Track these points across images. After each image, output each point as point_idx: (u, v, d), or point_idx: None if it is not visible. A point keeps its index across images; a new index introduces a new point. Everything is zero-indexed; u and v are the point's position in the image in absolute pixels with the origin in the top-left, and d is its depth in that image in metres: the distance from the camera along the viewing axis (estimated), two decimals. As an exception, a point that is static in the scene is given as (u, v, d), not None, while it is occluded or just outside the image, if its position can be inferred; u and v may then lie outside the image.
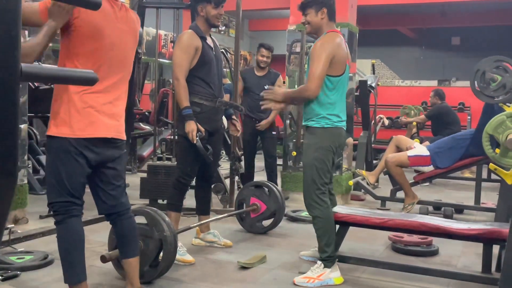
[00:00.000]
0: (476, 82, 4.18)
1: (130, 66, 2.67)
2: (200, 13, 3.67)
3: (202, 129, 3.58)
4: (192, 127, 3.50)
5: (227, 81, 8.90)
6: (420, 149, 5.46)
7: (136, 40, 2.70)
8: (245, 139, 5.79)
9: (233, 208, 4.69)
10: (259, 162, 9.68)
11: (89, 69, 2.33)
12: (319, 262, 3.28)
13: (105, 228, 3.18)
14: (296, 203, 5.60)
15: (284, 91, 3.43)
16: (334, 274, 3.25)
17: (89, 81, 1.01)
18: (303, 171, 3.36)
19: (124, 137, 2.63)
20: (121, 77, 2.58)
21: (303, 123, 3.39)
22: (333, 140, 3.27)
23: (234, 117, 4.08)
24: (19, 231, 3.89)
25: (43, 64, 5.03)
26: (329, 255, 3.24)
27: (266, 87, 5.27)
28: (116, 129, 2.55)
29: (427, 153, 5.36)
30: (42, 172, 6.09)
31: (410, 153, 5.39)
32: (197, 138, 3.52)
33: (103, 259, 2.84)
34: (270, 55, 5.72)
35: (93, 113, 2.44)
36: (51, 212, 2.54)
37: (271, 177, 5.62)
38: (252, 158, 5.80)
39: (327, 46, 3.19)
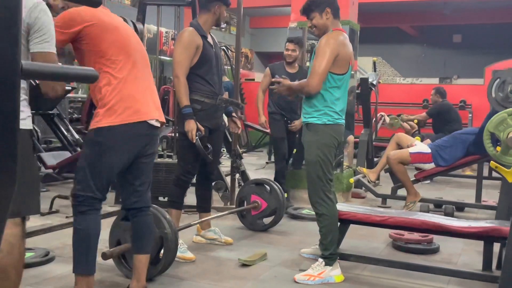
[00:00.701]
0: (493, 89, 4.11)
1: (146, 55, 2.78)
2: (213, 12, 3.67)
3: (202, 128, 3.57)
4: (191, 126, 3.50)
5: (225, 78, 8.89)
6: (421, 146, 5.46)
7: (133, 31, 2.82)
8: (279, 136, 5.38)
9: (234, 206, 4.69)
10: (261, 159, 9.68)
11: (122, 58, 2.53)
12: (320, 260, 3.28)
13: (107, 225, 3.18)
14: (297, 200, 5.60)
15: (289, 85, 3.41)
16: (335, 272, 3.25)
17: (89, 78, 1.01)
18: (306, 169, 3.36)
19: (163, 121, 2.75)
20: (146, 65, 2.71)
21: (303, 121, 3.38)
22: (334, 137, 3.28)
23: (234, 114, 4.08)
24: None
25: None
26: (331, 253, 3.25)
27: None
28: (159, 113, 2.69)
29: (428, 150, 5.36)
30: (43, 169, 6.10)
31: (412, 150, 5.39)
32: (197, 137, 3.51)
33: (104, 256, 2.84)
34: (297, 48, 5.25)
35: (137, 100, 2.56)
36: (74, 202, 2.59)
37: (280, 181, 5.14)
38: (286, 157, 5.43)
39: (332, 42, 3.19)
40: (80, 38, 2.50)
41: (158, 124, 2.69)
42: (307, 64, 5.43)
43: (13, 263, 2.09)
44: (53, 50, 2.15)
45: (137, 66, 2.62)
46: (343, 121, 3.37)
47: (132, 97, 2.56)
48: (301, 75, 5.06)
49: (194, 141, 3.50)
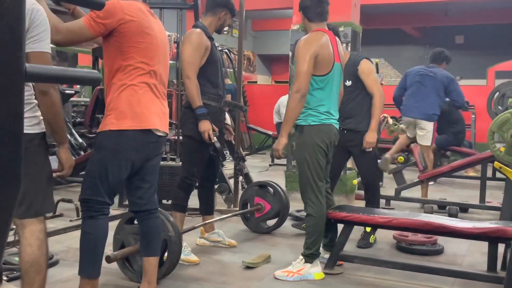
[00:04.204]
0: (493, 102, 4.12)
1: (168, 66, 2.82)
2: (219, 17, 3.67)
3: (216, 128, 3.59)
4: (207, 127, 3.49)
5: (229, 81, 8.90)
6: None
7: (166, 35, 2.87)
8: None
9: (237, 208, 4.69)
10: (264, 162, 9.67)
11: (143, 65, 2.55)
12: (300, 257, 3.33)
13: (110, 228, 3.18)
14: (300, 202, 5.58)
15: (279, 138, 3.36)
16: (314, 270, 3.28)
17: (93, 81, 1.01)
18: (298, 170, 3.41)
19: (167, 132, 2.79)
20: (165, 77, 2.74)
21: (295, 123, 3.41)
22: (321, 137, 3.28)
23: (226, 122, 4.08)
24: (24, 232, 3.90)
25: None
26: (312, 253, 3.29)
27: (347, 83, 4.00)
28: (165, 125, 2.73)
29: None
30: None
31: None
32: (215, 137, 3.53)
33: (108, 259, 2.84)
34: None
35: (148, 108, 2.58)
36: (83, 207, 2.61)
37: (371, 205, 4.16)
38: (336, 176, 4.22)
39: (309, 46, 3.22)
40: (114, 33, 2.50)
41: (164, 134, 2.73)
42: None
43: (43, 256, 2.22)
44: (48, 50, 2.15)
45: (155, 76, 2.64)
46: (334, 120, 3.37)
47: (144, 105, 2.57)
48: (350, 65, 4.07)
49: (213, 141, 3.51)
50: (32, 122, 2.18)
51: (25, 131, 2.10)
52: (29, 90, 2.18)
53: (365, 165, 4.14)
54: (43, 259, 2.21)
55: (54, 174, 2.35)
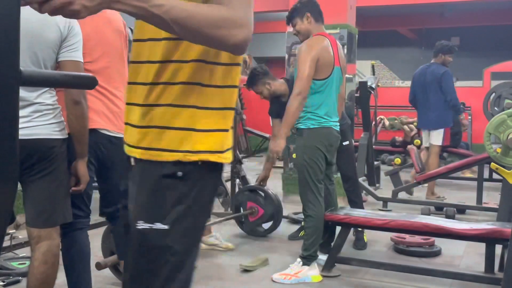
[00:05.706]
0: (489, 104, 4.11)
1: (118, 55, 2.53)
2: None
3: None
4: None
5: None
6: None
7: (114, 26, 2.54)
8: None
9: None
10: (261, 164, 9.67)
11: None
12: (298, 260, 3.34)
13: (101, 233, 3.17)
14: (297, 205, 5.58)
15: (278, 136, 3.34)
16: (312, 272, 3.28)
17: (89, 85, 1.01)
18: (297, 172, 3.44)
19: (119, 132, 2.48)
20: (114, 68, 2.48)
21: (294, 126, 3.43)
22: (320, 140, 3.32)
23: None
24: (20, 236, 3.88)
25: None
26: (310, 254, 3.30)
27: None
28: (116, 125, 2.47)
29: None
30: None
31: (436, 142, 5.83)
32: None
33: (99, 266, 2.79)
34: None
35: (90, 107, 2.31)
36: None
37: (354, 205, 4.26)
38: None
39: (312, 50, 3.24)
40: None
41: (113, 134, 2.46)
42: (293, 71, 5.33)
43: (55, 273, 2.17)
44: (82, 60, 2.16)
45: (99, 72, 2.36)
46: (332, 123, 3.39)
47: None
48: None
49: None
50: (60, 127, 2.15)
51: (55, 137, 2.11)
52: (53, 95, 2.14)
53: (342, 158, 4.16)
54: (54, 276, 2.16)
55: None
